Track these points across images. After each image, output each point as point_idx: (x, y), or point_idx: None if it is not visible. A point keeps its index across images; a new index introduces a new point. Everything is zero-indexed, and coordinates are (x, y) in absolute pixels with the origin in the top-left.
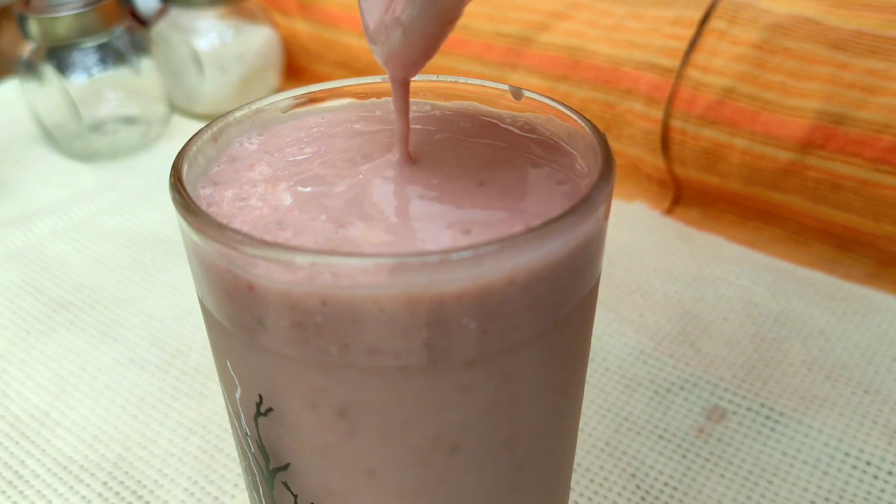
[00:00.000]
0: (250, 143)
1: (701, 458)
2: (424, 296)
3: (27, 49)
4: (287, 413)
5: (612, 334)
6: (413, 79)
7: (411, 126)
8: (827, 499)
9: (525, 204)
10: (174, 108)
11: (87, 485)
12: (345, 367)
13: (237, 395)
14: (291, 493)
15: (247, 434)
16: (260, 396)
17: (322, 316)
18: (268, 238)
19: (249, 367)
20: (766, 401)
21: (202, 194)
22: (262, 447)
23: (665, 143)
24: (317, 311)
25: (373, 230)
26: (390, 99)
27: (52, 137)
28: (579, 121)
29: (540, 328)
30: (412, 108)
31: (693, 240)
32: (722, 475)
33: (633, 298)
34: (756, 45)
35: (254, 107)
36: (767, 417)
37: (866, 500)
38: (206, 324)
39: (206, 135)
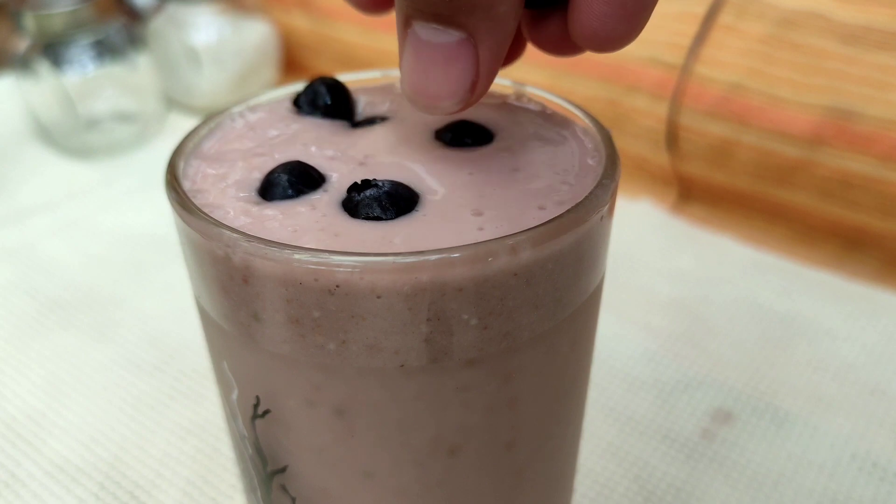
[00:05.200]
0: (234, 123)
1: (706, 460)
2: (425, 289)
3: (23, 45)
4: (285, 413)
5: (615, 334)
6: None
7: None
8: (833, 500)
9: (536, 185)
10: (171, 101)
11: (83, 486)
12: (343, 365)
13: (234, 397)
14: (289, 495)
15: (244, 436)
16: (257, 398)
17: (320, 310)
18: (249, 221)
19: (247, 368)
20: (772, 402)
21: (188, 173)
22: (259, 449)
23: (673, 139)
24: (314, 306)
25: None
26: (386, 88)
27: (48, 134)
28: (584, 118)
29: (543, 327)
30: None
31: (698, 239)
32: (727, 477)
33: (638, 298)
34: (764, 40)
35: (251, 103)
36: (773, 419)
37: (873, 502)
38: (202, 325)
39: (202, 131)
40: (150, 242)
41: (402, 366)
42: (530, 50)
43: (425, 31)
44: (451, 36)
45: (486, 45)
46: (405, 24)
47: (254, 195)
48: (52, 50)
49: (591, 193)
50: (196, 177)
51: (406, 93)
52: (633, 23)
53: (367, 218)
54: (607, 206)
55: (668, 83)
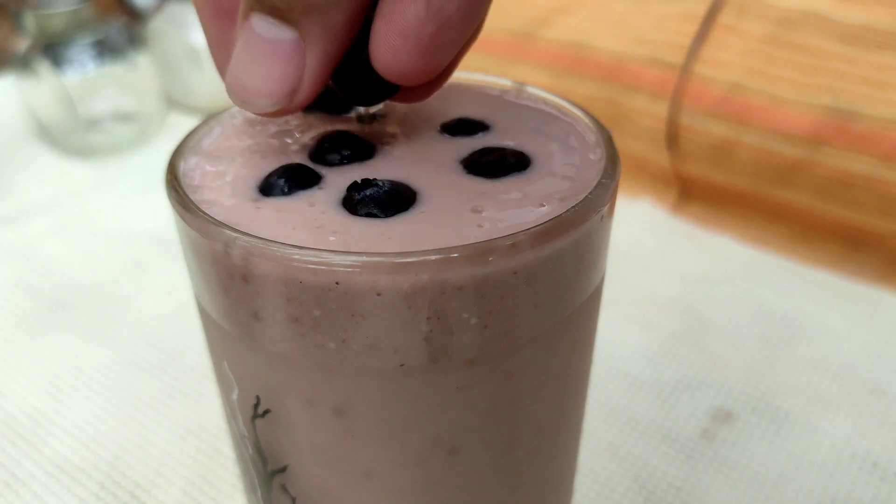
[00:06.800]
0: (234, 121)
1: (706, 460)
2: (425, 287)
3: (23, 45)
4: (285, 413)
5: (616, 334)
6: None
7: (418, 104)
8: (833, 500)
9: (536, 184)
10: (172, 101)
11: (84, 486)
12: (343, 365)
13: (234, 397)
14: (290, 495)
15: (244, 436)
16: (257, 398)
17: (320, 309)
18: (247, 218)
19: (247, 367)
20: (772, 402)
21: (188, 171)
22: (259, 449)
23: (673, 139)
24: (314, 305)
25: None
26: None
27: (48, 134)
28: (584, 117)
29: (543, 327)
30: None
31: (699, 238)
32: (727, 477)
33: (638, 297)
34: (764, 40)
35: None
36: (773, 419)
37: (873, 502)
38: (202, 324)
39: (202, 130)
40: (150, 242)
41: (402, 365)
42: (530, 51)
43: (261, 24)
44: (283, 33)
45: (315, 52)
46: (244, 15)
47: (254, 193)
48: (52, 50)
49: (591, 193)
50: (195, 174)
51: (226, 84)
52: (428, 60)
53: (367, 216)
54: (607, 206)
55: (668, 83)
